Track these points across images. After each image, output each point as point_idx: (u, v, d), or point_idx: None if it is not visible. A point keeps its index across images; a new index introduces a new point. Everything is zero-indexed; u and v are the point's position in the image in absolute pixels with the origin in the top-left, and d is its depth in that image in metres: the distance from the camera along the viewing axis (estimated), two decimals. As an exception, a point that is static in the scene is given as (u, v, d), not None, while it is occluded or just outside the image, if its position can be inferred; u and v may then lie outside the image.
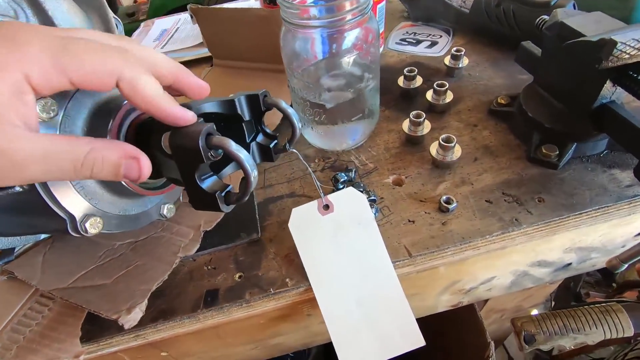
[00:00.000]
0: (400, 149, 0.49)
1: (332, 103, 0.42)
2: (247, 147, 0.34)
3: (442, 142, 0.43)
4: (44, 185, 0.28)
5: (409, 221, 0.41)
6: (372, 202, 0.42)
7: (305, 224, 0.39)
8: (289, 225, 0.39)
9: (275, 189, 0.47)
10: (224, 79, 0.61)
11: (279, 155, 0.36)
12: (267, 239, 0.42)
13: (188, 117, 0.26)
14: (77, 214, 0.30)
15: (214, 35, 0.59)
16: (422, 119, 0.47)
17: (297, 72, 0.43)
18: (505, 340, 1.12)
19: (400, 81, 0.56)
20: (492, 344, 0.58)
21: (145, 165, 0.25)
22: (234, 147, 0.26)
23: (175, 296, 0.38)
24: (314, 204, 0.39)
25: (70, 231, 0.31)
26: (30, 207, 0.30)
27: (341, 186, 0.44)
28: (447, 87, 0.50)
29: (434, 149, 0.45)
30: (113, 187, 0.33)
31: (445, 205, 0.40)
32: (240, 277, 0.39)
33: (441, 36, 0.68)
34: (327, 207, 0.39)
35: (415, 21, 0.73)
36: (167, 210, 0.40)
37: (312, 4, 0.39)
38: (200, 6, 0.57)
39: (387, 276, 0.37)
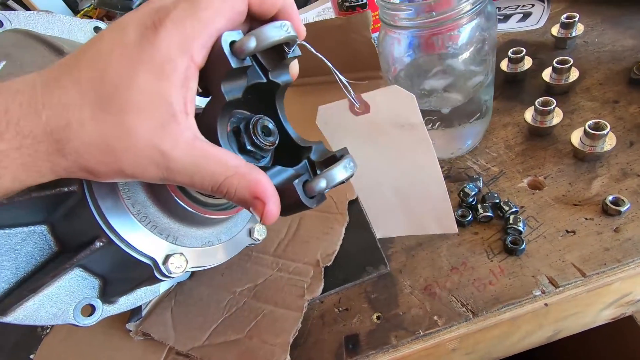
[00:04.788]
0: (526, 144, 0.42)
1: (449, 107, 0.37)
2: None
3: (589, 130, 0.36)
4: (117, 234, 0.28)
5: (568, 232, 0.34)
6: (514, 215, 0.36)
7: (334, 122, 0.32)
8: (317, 122, 0.32)
9: (389, 211, 0.42)
10: (301, 98, 0.59)
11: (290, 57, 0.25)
12: (396, 270, 0.37)
13: None
14: (158, 257, 0.29)
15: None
16: (552, 107, 0.39)
17: (402, 78, 0.38)
18: None
19: (504, 65, 0.48)
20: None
21: (270, 211, 0.22)
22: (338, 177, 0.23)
23: (312, 345, 0.35)
24: (343, 103, 0.30)
25: (157, 276, 0.30)
26: (117, 260, 0.29)
27: (471, 200, 0.38)
28: (571, 63, 0.43)
29: (575, 139, 0.38)
30: (184, 217, 0.31)
31: (614, 207, 0.33)
32: (378, 318, 0.35)
33: (533, 5, 0.59)
34: (362, 107, 0.30)
35: (495, -6, 0.64)
36: (257, 232, 0.38)
37: (413, 2, 0.33)
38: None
39: (431, 174, 0.32)
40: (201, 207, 0.31)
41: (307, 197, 0.23)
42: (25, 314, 0.30)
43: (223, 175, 0.21)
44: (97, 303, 0.33)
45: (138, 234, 0.29)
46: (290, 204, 0.23)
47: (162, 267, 0.29)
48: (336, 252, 0.40)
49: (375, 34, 0.49)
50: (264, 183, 0.21)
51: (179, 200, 0.29)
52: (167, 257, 0.29)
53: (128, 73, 0.19)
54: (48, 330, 0.46)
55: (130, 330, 0.40)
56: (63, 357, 0.42)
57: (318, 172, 0.26)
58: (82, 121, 0.19)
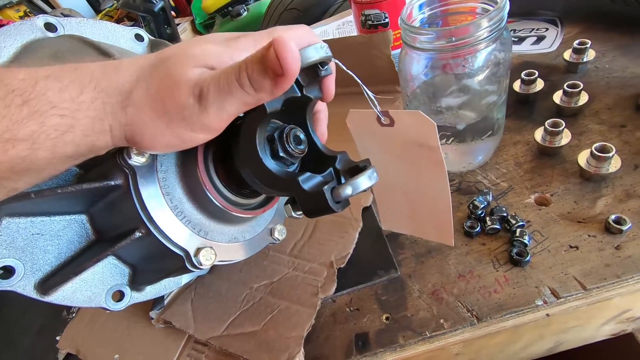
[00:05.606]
0: (535, 162, 0.44)
1: (463, 124, 0.39)
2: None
3: (595, 152, 0.38)
4: (157, 226, 0.30)
5: (571, 247, 0.36)
6: (520, 228, 0.38)
7: (362, 126, 0.34)
8: (347, 121, 0.34)
9: (401, 219, 0.45)
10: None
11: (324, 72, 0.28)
12: (406, 274, 0.40)
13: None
14: (191, 249, 0.32)
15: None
16: (561, 128, 0.42)
17: (419, 95, 0.41)
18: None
19: (516, 86, 0.51)
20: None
21: (285, 50, 0.21)
22: (362, 185, 0.26)
23: (324, 341, 0.37)
24: (371, 113, 0.32)
25: (188, 267, 0.32)
26: (152, 250, 0.32)
27: (480, 212, 0.40)
28: (581, 87, 0.45)
29: (582, 160, 0.40)
30: (216, 214, 0.34)
31: (616, 226, 0.35)
32: (387, 318, 0.37)
33: (547, 29, 0.61)
34: (387, 120, 0.32)
35: (511, 17, 0.67)
36: (278, 232, 0.40)
37: (434, 28, 0.36)
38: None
39: (440, 193, 0.34)
40: (231, 206, 0.33)
41: (334, 201, 0.25)
42: (64, 295, 0.33)
43: (235, 69, 0.23)
44: (127, 290, 0.36)
45: (174, 227, 0.31)
46: (319, 207, 0.26)
47: (193, 259, 0.32)
48: (349, 255, 0.42)
49: (395, 52, 0.52)
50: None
51: (212, 198, 0.32)
52: (199, 249, 0.32)
53: (200, 44, 0.24)
54: (74, 315, 0.48)
55: (153, 318, 0.43)
56: (88, 340, 0.45)
57: (343, 179, 0.29)
58: (145, 78, 0.23)
